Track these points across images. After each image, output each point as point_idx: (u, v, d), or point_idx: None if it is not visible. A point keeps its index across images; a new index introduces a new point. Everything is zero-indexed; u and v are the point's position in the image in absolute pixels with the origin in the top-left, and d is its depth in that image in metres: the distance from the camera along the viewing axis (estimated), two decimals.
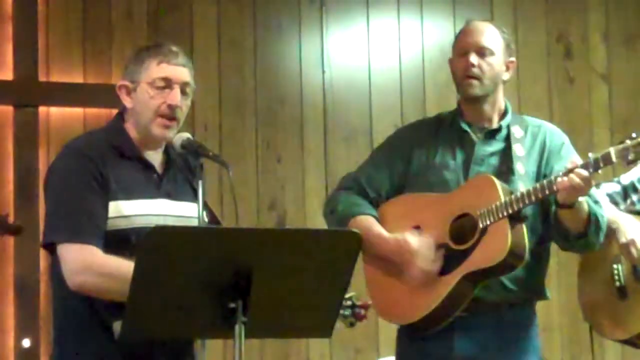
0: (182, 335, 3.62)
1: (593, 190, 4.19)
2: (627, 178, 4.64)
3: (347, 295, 4.04)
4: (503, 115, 4.40)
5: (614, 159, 3.96)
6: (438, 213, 4.08)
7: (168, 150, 3.88)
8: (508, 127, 4.35)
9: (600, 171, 3.98)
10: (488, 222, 4.11)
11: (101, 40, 6.18)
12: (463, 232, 4.17)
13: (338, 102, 6.12)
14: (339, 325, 4.02)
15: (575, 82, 6.94)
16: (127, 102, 3.83)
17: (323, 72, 6.28)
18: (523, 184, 4.19)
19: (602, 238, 4.18)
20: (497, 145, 4.35)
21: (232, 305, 3.26)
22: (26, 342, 5.82)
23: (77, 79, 6.12)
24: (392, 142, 4.51)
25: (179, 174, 3.90)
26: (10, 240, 5.87)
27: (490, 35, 4.36)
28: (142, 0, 6.28)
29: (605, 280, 4.55)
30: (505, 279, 4.16)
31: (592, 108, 6.91)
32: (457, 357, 4.22)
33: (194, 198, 3.68)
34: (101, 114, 5.97)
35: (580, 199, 4.02)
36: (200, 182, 3.64)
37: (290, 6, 6.52)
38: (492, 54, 4.32)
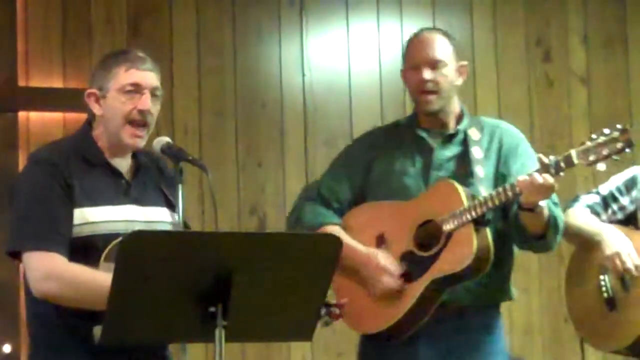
0: (162, 339, 3.62)
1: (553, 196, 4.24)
2: (605, 188, 4.65)
3: None
4: (459, 118, 4.40)
5: (575, 160, 4.00)
6: (402, 220, 4.08)
7: (137, 156, 3.88)
8: (465, 131, 4.36)
9: (562, 173, 4.00)
10: (452, 228, 4.12)
11: (81, 44, 6.17)
12: (428, 238, 4.18)
13: (318, 105, 6.12)
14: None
15: (555, 85, 6.96)
16: (96, 109, 3.84)
17: (303, 75, 6.28)
18: (483, 187, 4.21)
19: (559, 239, 4.21)
20: (454, 150, 4.35)
21: (212, 309, 3.25)
22: (7, 348, 5.80)
23: (57, 83, 6.12)
24: (351, 152, 4.50)
25: (148, 179, 3.89)
26: None
27: (440, 46, 4.36)
28: (122, 4, 6.27)
29: (593, 292, 4.56)
30: (470, 282, 4.16)
31: (571, 111, 6.92)
32: None
33: (164, 203, 3.72)
34: (81, 119, 5.82)
35: (541, 203, 4.04)
36: (179, 186, 3.63)
37: (269, 9, 6.52)
38: (444, 65, 4.32)
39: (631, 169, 4.63)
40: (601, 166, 4.00)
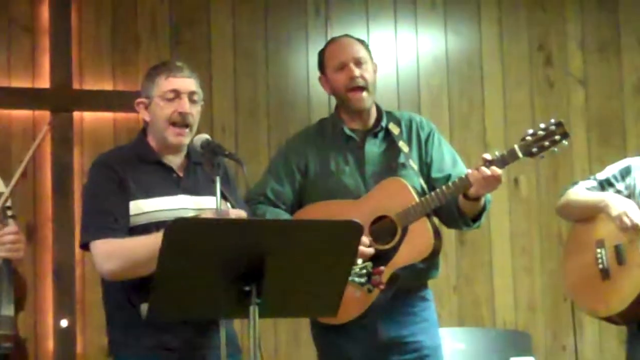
0: (202, 315, 3.63)
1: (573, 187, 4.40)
2: (602, 175, 4.65)
3: (362, 265, 4.03)
4: (378, 116, 4.39)
5: (519, 154, 4.08)
6: (354, 217, 4.02)
7: (190, 153, 3.93)
8: (386, 127, 4.36)
9: (506, 167, 4.07)
10: (408, 222, 4.14)
11: (128, 52, 6.19)
12: (383, 233, 4.18)
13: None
14: (359, 293, 4.04)
15: (555, 87, 6.93)
16: (145, 115, 3.93)
17: (319, 77, 6.29)
18: (415, 176, 4.25)
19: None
20: (382, 145, 4.36)
21: (247, 288, 3.27)
22: (64, 322, 5.82)
23: (107, 86, 6.13)
24: (287, 155, 4.45)
25: (200, 172, 3.93)
26: (49, 231, 5.88)
27: (359, 46, 4.40)
28: (165, 16, 6.28)
29: (589, 263, 4.54)
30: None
31: (570, 109, 6.89)
32: (382, 338, 4.24)
33: (214, 193, 3.69)
34: (129, 118, 5.97)
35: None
36: (217, 178, 3.65)
37: (298, 19, 6.52)
38: (366, 62, 4.35)
39: (626, 160, 4.64)
40: (542, 157, 4.11)
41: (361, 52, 4.34)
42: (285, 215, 4.30)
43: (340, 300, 3.53)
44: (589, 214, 4.55)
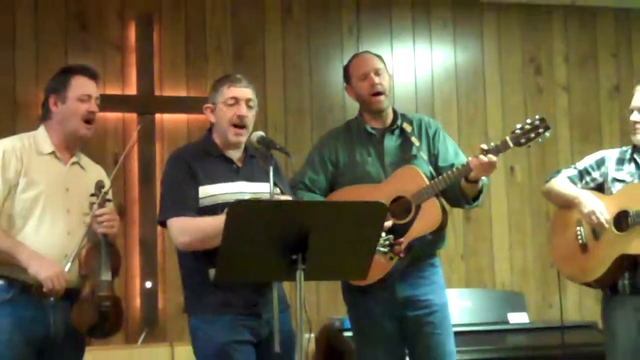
0: (259, 279, 3.65)
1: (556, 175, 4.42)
2: (581, 165, 4.62)
3: (385, 237, 4.02)
4: (394, 117, 4.38)
5: (510, 144, 4.08)
6: (377, 198, 3.96)
7: (247, 148, 3.96)
8: (400, 125, 4.35)
9: (500, 154, 4.06)
10: (421, 201, 4.13)
11: (199, 64, 6.19)
12: (399, 210, 4.16)
13: None
14: (381, 259, 4.02)
15: (544, 93, 6.89)
16: (211, 118, 3.97)
17: (344, 86, 6.27)
18: (425, 165, 4.25)
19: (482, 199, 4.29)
20: (397, 140, 4.35)
21: (294, 257, 3.27)
22: (148, 284, 5.85)
23: (182, 93, 6.13)
24: (321, 149, 4.43)
25: (256, 164, 3.94)
26: (136, 211, 5.90)
27: (377, 60, 4.39)
28: (228, 37, 6.27)
29: (571, 239, 4.51)
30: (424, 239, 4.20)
31: (556, 111, 6.85)
32: (399, 297, 4.23)
33: (268, 180, 3.69)
34: (200, 119, 5.95)
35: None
36: (271, 167, 3.65)
37: (334, 38, 6.51)
38: (383, 72, 4.35)
39: (601, 152, 4.61)
40: (528, 146, 4.10)
41: (379, 65, 4.35)
42: (319, 198, 4.30)
43: (369, 266, 3.53)
44: (566, 204, 4.53)
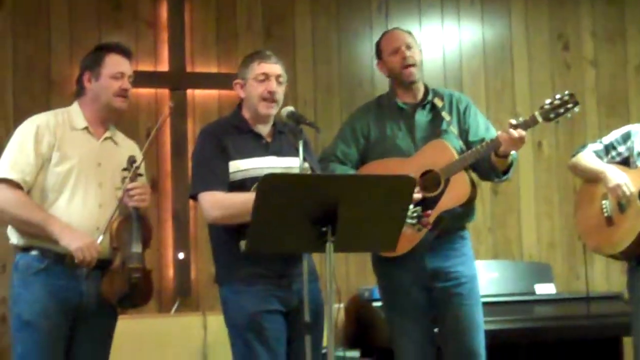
0: (289, 250, 3.67)
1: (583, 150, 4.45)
2: (607, 139, 4.59)
3: (413, 209, 4.04)
4: (425, 92, 4.38)
5: (539, 119, 4.06)
6: (407, 171, 3.96)
7: (276, 124, 3.97)
8: (431, 100, 4.35)
9: (529, 129, 4.05)
10: (450, 175, 4.14)
11: (230, 41, 6.21)
12: (429, 184, 4.17)
13: None
14: (409, 231, 4.05)
15: (571, 68, 6.85)
16: (241, 93, 3.98)
17: (376, 62, 6.26)
18: (456, 139, 4.25)
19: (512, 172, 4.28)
20: (428, 115, 4.35)
21: (324, 229, 3.29)
22: (181, 255, 5.89)
23: (213, 69, 6.15)
24: (353, 123, 4.43)
25: (284, 139, 3.97)
26: (169, 184, 5.95)
27: (407, 35, 4.40)
28: (259, 14, 6.28)
29: (596, 212, 4.50)
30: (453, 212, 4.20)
31: (583, 87, 6.82)
32: (428, 268, 4.24)
33: (297, 154, 3.70)
34: (230, 95, 5.93)
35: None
36: (300, 142, 3.67)
37: (363, 15, 6.50)
38: (415, 47, 4.35)
39: (627, 126, 4.58)
40: (557, 121, 4.10)
41: (410, 39, 4.36)
42: (351, 171, 4.31)
43: (397, 238, 3.53)
44: (592, 179, 4.52)
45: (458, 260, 4.27)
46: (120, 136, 4.15)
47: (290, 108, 3.88)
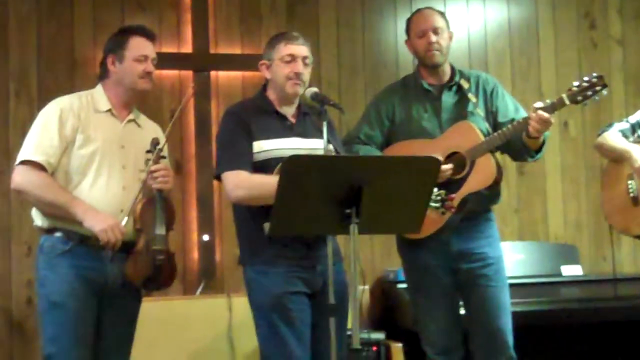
0: (313, 232, 3.68)
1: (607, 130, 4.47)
2: (634, 118, 4.57)
3: (437, 192, 4.02)
4: (452, 74, 4.35)
5: (566, 101, 4.03)
6: (432, 153, 3.92)
7: (300, 105, 3.96)
8: (458, 82, 4.33)
9: (556, 112, 4.03)
10: (476, 157, 4.12)
11: (253, 22, 6.19)
12: (454, 166, 4.15)
13: None
14: (434, 214, 4.03)
15: (598, 47, 6.79)
16: (266, 74, 3.98)
17: (405, 40, 6.19)
18: (482, 121, 4.23)
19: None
20: (454, 97, 4.33)
21: (348, 211, 3.28)
22: (205, 237, 5.89)
23: (237, 50, 6.14)
24: (377, 105, 4.43)
25: (309, 121, 3.97)
26: (193, 165, 5.95)
27: (437, 18, 4.34)
28: None
29: (622, 193, 4.48)
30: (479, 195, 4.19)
31: (610, 66, 6.76)
32: (454, 250, 4.24)
33: (321, 136, 3.68)
34: (254, 76, 5.96)
35: None
36: (325, 123, 3.65)
37: None
38: (442, 31, 4.30)
39: None
40: (585, 104, 4.04)
41: (439, 23, 4.32)
42: (375, 152, 4.31)
43: (422, 219, 3.53)
44: (617, 159, 4.49)
45: (484, 242, 4.25)
46: (143, 118, 4.15)
47: (314, 89, 3.88)
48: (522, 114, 4.24)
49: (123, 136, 3.98)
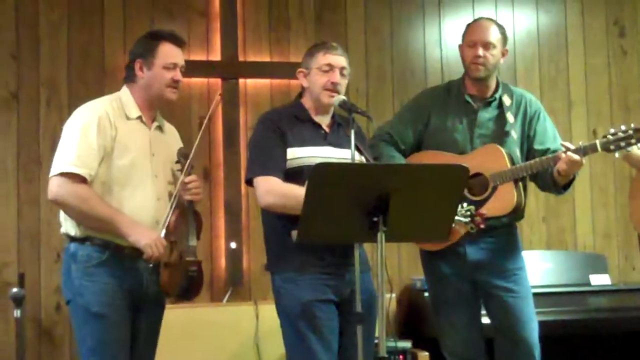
0: (340, 240, 3.66)
1: None
2: None
3: (467, 207, 4.01)
4: (496, 88, 4.33)
5: (599, 149, 3.99)
6: None
7: (334, 116, 4.00)
8: (500, 97, 4.30)
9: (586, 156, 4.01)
10: (498, 183, 4.12)
11: (281, 30, 6.20)
12: (476, 187, 4.15)
13: (451, 72, 6.01)
14: (462, 230, 4.03)
15: (628, 54, 6.76)
16: (304, 82, 4.00)
17: (441, 50, 6.18)
18: (515, 146, 4.22)
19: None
20: (493, 112, 4.30)
21: (375, 219, 3.27)
22: (233, 245, 5.90)
23: (265, 58, 6.15)
24: (415, 105, 4.43)
25: (342, 131, 3.98)
26: (221, 173, 5.96)
27: (493, 32, 4.29)
28: (310, 2, 6.27)
29: None
30: None
31: None
32: (470, 261, 4.23)
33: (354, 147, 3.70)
34: (282, 84, 6.01)
35: None
36: (352, 131, 3.66)
37: (416, 3, 6.47)
38: (494, 47, 4.27)
39: None
40: (616, 153, 4.00)
41: (491, 38, 4.27)
42: (396, 154, 4.31)
43: (449, 228, 3.53)
44: None
45: (500, 254, 4.24)
46: (164, 123, 4.13)
47: (342, 97, 3.89)
48: (558, 145, 4.20)
49: (152, 144, 3.96)
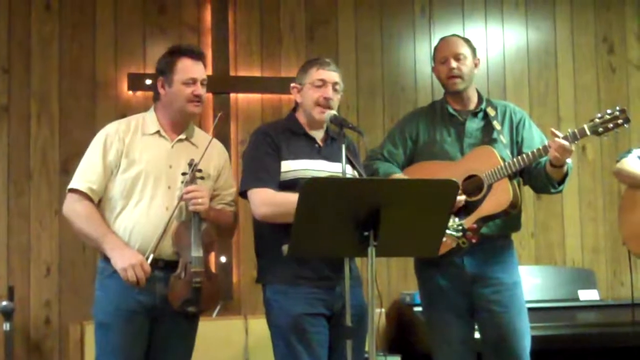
0: (331, 254, 3.67)
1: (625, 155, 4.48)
2: None
3: (459, 222, 4.02)
4: (479, 101, 4.39)
5: (587, 132, 4.04)
6: (451, 175, 3.97)
7: (328, 130, 4.02)
8: (484, 109, 4.35)
9: (577, 142, 4.04)
10: (493, 181, 4.14)
11: (272, 46, 6.21)
12: (472, 188, 4.18)
13: (441, 88, 6.03)
14: (453, 243, 4.04)
15: (617, 72, 6.79)
16: (297, 97, 4.03)
17: (431, 67, 6.18)
18: (504, 148, 4.25)
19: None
20: (479, 123, 4.36)
21: (366, 233, 3.28)
22: (223, 258, 5.90)
23: (256, 73, 6.16)
24: (403, 126, 4.48)
25: (335, 146, 3.97)
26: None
27: (460, 44, 4.38)
28: (302, 17, 6.29)
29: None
30: (497, 220, 4.21)
31: (629, 91, 6.77)
32: (468, 273, 4.23)
33: (346, 160, 3.71)
34: (273, 99, 6.02)
35: (568, 160, 4.11)
36: (343, 146, 3.68)
37: (406, 18, 6.48)
38: (465, 57, 4.34)
39: None
40: (606, 136, 4.06)
41: (461, 49, 4.35)
42: (395, 169, 4.34)
43: (440, 242, 3.53)
44: (636, 184, 4.49)
45: (498, 267, 4.24)
46: (199, 137, 4.12)
47: (333, 112, 3.91)
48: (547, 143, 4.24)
49: (171, 156, 3.97)
